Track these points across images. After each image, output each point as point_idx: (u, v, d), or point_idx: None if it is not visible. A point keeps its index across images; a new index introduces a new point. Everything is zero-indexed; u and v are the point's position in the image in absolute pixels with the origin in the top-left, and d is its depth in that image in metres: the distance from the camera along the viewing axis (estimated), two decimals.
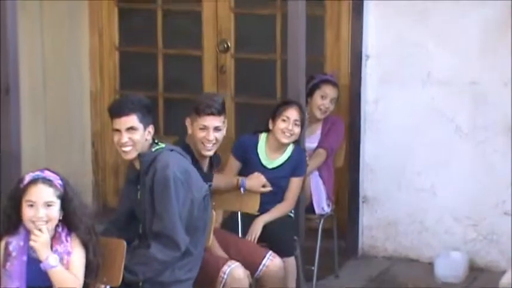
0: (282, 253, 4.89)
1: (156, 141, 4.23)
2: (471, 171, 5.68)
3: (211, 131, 4.49)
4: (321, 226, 5.42)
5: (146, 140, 4.16)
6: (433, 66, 5.67)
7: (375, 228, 5.92)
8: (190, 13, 6.37)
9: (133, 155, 4.15)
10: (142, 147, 4.16)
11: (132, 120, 4.12)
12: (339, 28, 5.98)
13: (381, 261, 5.87)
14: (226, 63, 6.28)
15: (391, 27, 5.71)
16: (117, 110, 4.16)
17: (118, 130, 4.13)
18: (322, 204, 5.51)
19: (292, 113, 5.03)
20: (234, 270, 4.38)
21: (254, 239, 4.93)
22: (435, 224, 5.79)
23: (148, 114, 4.18)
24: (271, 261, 4.69)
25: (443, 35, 5.63)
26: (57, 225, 3.77)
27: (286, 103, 5.11)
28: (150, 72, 6.39)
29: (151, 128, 4.18)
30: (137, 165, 4.21)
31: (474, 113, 5.64)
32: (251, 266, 4.58)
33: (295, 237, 5.08)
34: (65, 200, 3.76)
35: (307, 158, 5.26)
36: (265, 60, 6.22)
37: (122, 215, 4.35)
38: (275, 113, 5.06)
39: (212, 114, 4.54)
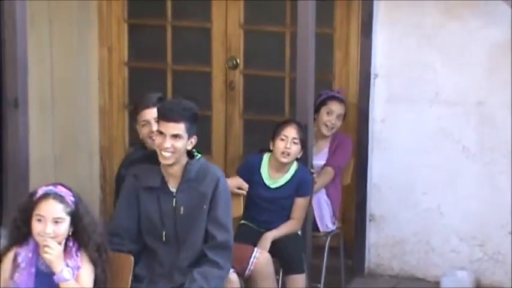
0: (292, 270, 4.93)
1: (193, 150, 4.24)
2: (477, 191, 5.69)
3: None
4: (327, 244, 5.43)
5: (186, 149, 4.17)
6: (441, 87, 5.70)
7: (382, 247, 5.93)
8: (199, 29, 6.40)
9: (171, 161, 4.13)
10: (180, 157, 4.16)
11: (180, 128, 4.11)
12: (348, 47, 6.01)
13: (387, 280, 5.88)
14: (235, 80, 6.30)
15: (399, 48, 5.74)
16: (167, 114, 4.13)
17: (162, 133, 4.12)
18: (326, 221, 5.52)
19: (290, 132, 5.04)
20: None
21: None
22: (441, 243, 5.80)
23: (195, 123, 4.18)
24: (261, 254, 4.73)
25: (450, 56, 5.66)
26: (67, 240, 3.78)
27: (284, 122, 5.14)
28: (159, 88, 6.38)
29: (194, 139, 4.19)
30: (172, 171, 4.17)
31: (481, 134, 5.66)
32: (241, 261, 4.61)
33: (303, 255, 5.10)
34: (75, 216, 3.76)
35: (314, 175, 5.28)
36: (274, 78, 6.24)
37: (132, 225, 4.24)
38: (274, 132, 5.09)
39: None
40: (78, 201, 3.78)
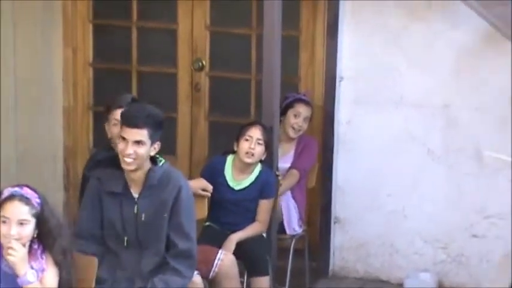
0: (257, 272, 4.93)
1: (156, 156, 4.21)
2: (441, 194, 5.73)
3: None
4: (292, 246, 5.44)
5: (149, 155, 4.14)
6: (406, 89, 5.73)
7: (346, 249, 5.95)
8: (165, 31, 6.37)
9: (132, 167, 4.11)
10: (143, 163, 4.13)
11: (143, 134, 4.08)
12: (314, 49, 6.02)
13: (352, 282, 5.90)
14: (200, 82, 6.29)
15: (365, 50, 5.76)
16: (130, 120, 4.09)
17: (125, 139, 4.09)
18: (293, 225, 5.53)
19: (255, 132, 5.05)
20: None
21: None
22: (405, 245, 5.83)
23: (159, 130, 4.15)
24: (225, 256, 4.74)
25: (416, 58, 5.69)
26: (32, 242, 3.74)
27: (249, 123, 5.15)
28: (124, 89, 6.35)
29: (157, 145, 4.16)
30: (134, 177, 4.15)
31: (446, 136, 5.70)
32: (205, 263, 4.61)
33: (268, 257, 5.10)
34: (41, 218, 3.72)
35: (280, 178, 5.29)
36: (240, 80, 6.24)
37: (96, 228, 4.22)
38: (239, 133, 5.09)
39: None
40: (43, 203, 3.75)
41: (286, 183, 5.44)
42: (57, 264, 3.76)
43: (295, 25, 6.03)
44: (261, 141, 5.05)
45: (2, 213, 3.69)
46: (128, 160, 4.08)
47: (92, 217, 4.23)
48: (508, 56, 5.37)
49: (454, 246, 5.76)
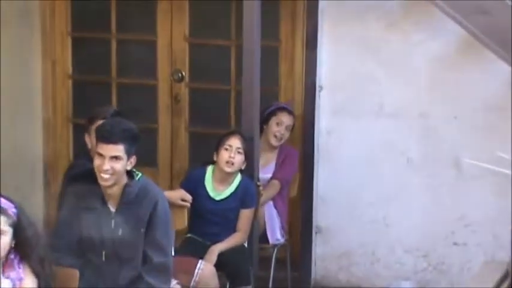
0: (239, 282, 4.94)
1: (133, 170, 4.22)
2: (422, 203, 5.76)
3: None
4: (274, 256, 5.44)
5: (126, 170, 4.15)
6: (385, 99, 5.76)
7: (328, 259, 5.96)
8: (144, 42, 6.37)
9: (109, 182, 4.11)
10: (120, 178, 4.14)
11: (119, 149, 4.08)
12: (293, 59, 6.04)
13: None
14: (180, 93, 6.29)
15: (344, 61, 5.78)
16: (106, 135, 4.10)
17: (101, 155, 4.09)
18: (276, 235, 5.53)
19: (234, 141, 5.06)
20: None
21: None
22: (387, 254, 5.85)
23: (134, 144, 4.15)
24: (205, 267, 4.75)
25: (394, 69, 5.72)
26: (9, 252, 3.72)
27: (229, 132, 5.16)
28: (104, 101, 6.35)
29: (133, 159, 4.16)
30: (111, 192, 4.15)
31: (425, 146, 5.73)
32: (186, 273, 4.61)
33: (250, 267, 5.10)
34: (18, 228, 3.70)
35: (261, 188, 5.30)
36: (220, 91, 6.25)
37: (73, 242, 4.22)
38: (219, 143, 5.10)
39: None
40: (20, 213, 3.73)
41: (267, 194, 5.45)
42: (36, 273, 3.75)
43: (275, 36, 6.05)
44: (240, 150, 5.06)
45: None
46: (105, 176, 4.09)
47: (69, 232, 4.23)
48: (486, 63, 5.41)
49: (435, 255, 5.79)
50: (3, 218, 3.67)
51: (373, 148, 5.78)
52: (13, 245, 3.72)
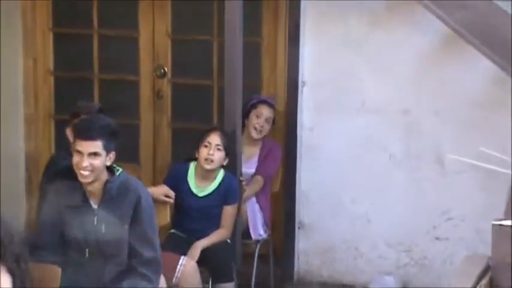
0: (221, 278, 4.94)
1: (113, 165, 4.21)
2: (404, 198, 5.77)
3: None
4: (257, 251, 5.45)
5: (105, 166, 4.14)
6: (367, 95, 5.76)
7: (311, 254, 5.97)
8: (126, 38, 6.35)
9: (89, 179, 4.10)
10: (99, 174, 4.13)
11: (97, 145, 4.07)
12: (276, 55, 6.04)
13: (317, 287, 5.91)
14: (163, 89, 6.28)
15: (326, 56, 5.78)
16: (83, 133, 4.09)
17: (79, 152, 4.08)
18: (258, 230, 5.54)
19: (213, 138, 5.06)
20: None
21: None
22: (369, 249, 5.87)
23: (113, 140, 4.14)
24: (187, 262, 4.75)
25: (377, 65, 5.72)
26: None
27: (209, 129, 5.16)
28: (86, 98, 6.31)
29: (112, 155, 4.15)
30: (92, 188, 4.14)
31: (407, 142, 5.74)
32: (168, 269, 4.61)
33: (232, 263, 5.10)
34: None
35: (244, 183, 5.30)
36: (202, 86, 6.24)
37: (55, 240, 4.20)
38: (199, 140, 5.09)
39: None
40: None
41: (250, 190, 5.45)
42: (11, 272, 3.71)
43: (257, 31, 6.05)
44: (220, 147, 5.05)
45: None
46: (84, 173, 4.08)
47: (51, 230, 4.21)
48: (469, 60, 5.42)
49: (417, 249, 5.81)
50: None
51: (355, 144, 5.79)
52: None
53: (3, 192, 6.33)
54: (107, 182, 4.15)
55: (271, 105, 5.64)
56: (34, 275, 3.79)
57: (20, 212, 6.47)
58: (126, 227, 4.15)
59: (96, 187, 4.15)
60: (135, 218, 4.15)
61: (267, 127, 5.61)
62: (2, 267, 3.65)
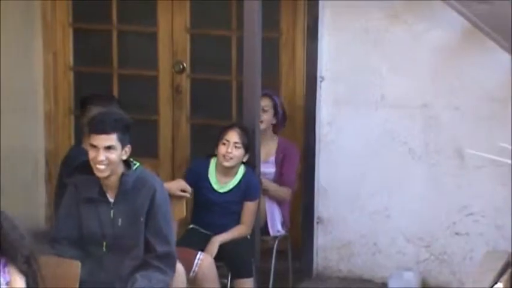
0: (241, 274, 4.95)
1: (131, 159, 4.23)
2: (423, 193, 5.75)
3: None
4: (275, 247, 5.44)
5: (121, 159, 4.15)
6: (386, 90, 5.74)
7: (329, 249, 5.96)
8: (145, 34, 6.37)
9: (106, 173, 4.13)
10: (116, 168, 4.14)
11: (112, 139, 4.10)
12: (294, 50, 6.03)
13: (335, 282, 5.90)
14: (181, 84, 6.29)
15: (345, 51, 5.77)
16: (97, 127, 4.12)
17: (95, 147, 4.10)
18: (276, 227, 5.53)
19: (231, 136, 5.06)
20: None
21: None
22: (388, 245, 5.85)
23: (127, 133, 4.17)
24: (205, 257, 4.78)
25: (396, 59, 5.70)
26: None
27: (227, 126, 5.15)
28: (105, 93, 6.37)
29: (128, 148, 4.18)
30: (109, 182, 4.16)
31: (426, 136, 5.72)
32: (186, 262, 4.62)
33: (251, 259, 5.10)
34: (1, 235, 3.62)
35: (263, 180, 5.30)
36: (221, 81, 6.24)
37: (73, 234, 4.23)
38: (218, 137, 5.10)
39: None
40: (2, 219, 3.64)
41: (280, 195, 5.44)
42: (23, 273, 3.71)
43: (276, 27, 6.04)
44: (238, 145, 5.06)
45: None
46: (101, 167, 4.10)
47: (69, 223, 4.24)
48: (488, 54, 5.40)
49: (437, 245, 5.79)
50: None
51: (374, 139, 5.77)
52: None
53: (23, 187, 6.37)
54: (122, 176, 4.16)
55: (268, 96, 5.53)
56: (55, 270, 3.84)
57: (40, 208, 6.51)
58: (142, 220, 4.17)
59: (113, 181, 4.17)
60: (150, 212, 4.18)
61: (266, 117, 5.47)
62: (14, 268, 3.66)
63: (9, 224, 3.67)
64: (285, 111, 5.69)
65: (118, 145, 4.11)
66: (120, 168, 4.17)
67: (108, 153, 4.09)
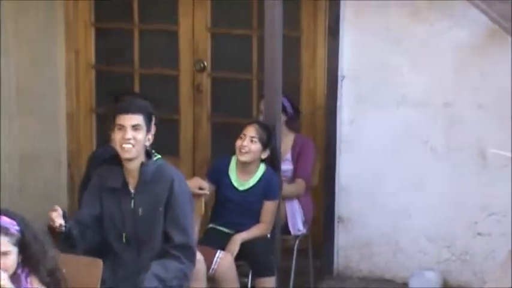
0: (263, 273, 4.95)
1: (152, 151, 4.28)
2: (445, 192, 5.72)
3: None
4: (296, 246, 5.43)
5: (145, 145, 4.20)
6: (408, 88, 5.72)
7: (350, 249, 5.94)
8: (166, 33, 6.38)
9: (132, 154, 4.17)
10: (141, 152, 4.18)
11: (139, 118, 4.18)
12: (315, 49, 6.02)
13: (356, 282, 5.89)
14: (202, 83, 6.29)
15: (366, 49, 5.75)
16: (125, 107, 4.21)
17: (122, 127, 4.16)
18: (297, 226, 5.52)
19: (249, 130, 5.08)
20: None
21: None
22: (409, 244, 5.82)
23: (151, 121, 4.25)
24: (224, 256, 4.79)
25: (417, 58, 5.68)
26: (16, 267, 3.65)
27: (247, 122, 5.17)
28: (126, 92, 6.38)
29: (151, 136, 4.25)
30: (131, 168, 4.20)
31: (448, 135, 5.69)
32: (205, 260, 4.63)
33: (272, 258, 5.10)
34: (23, 244, 3.61)
35: (283, 179, 5.29)
36: (242, 80, 6.24)
37: (93, 222, 4.26)
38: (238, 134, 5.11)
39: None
40: (24, 229, 3.62)
41: (292, 192, 5.44)
42: (46, 284, 3.70)
43: (297, 25, 6.03)
44: (255, 139, 5.06)
45: None
46: (127, 146, 4.16)
47: (90, 212, 4.28)
48: (509, 52, 5.36)
49: (459, 245, 5.76)
50: (4, 239, 3.57)
51: (395, 138, 5.75)
52: (20, 260, 3.64)
53: (45, 188, 6.39)
54: (142, 165, 4.19)
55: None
56: (76, 268, 3.84)
57: (62, 207, 6.52)
58: (161, 210, 4.20)
59: (135, 167, 4.22)
60: (168, 203, 4.22)
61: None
62: (36, 281, 3.65)
63: (31, 233, 3.66)
64: (296, 107, 5.68)
65: (143, 126, 4.19)
66: (142, 156, 4.21)
67: (135, 132, 4.17)
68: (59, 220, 4.02)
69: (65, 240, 4.07)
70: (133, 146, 4.16)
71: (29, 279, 3.65)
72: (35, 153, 6.33)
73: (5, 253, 3.58)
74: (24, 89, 6.18)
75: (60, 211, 4.07)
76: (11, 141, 6.07)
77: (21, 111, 6.19)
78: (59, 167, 6.54)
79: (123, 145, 4.17)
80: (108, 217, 4.27)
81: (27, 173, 6.23)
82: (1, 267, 3.55)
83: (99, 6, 6.44)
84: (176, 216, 4.21)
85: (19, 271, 3.63)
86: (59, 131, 6.51)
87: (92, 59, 6.50)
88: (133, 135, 4.15)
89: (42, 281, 3.66)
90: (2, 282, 3.53)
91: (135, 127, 4.17)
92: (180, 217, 4.21)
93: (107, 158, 4.39)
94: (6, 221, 3.62)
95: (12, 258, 3.59)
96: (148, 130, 4.22)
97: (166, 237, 4.23)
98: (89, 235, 4.22)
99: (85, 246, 4.19)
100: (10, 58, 6.05)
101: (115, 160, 4.28)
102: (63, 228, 4.03)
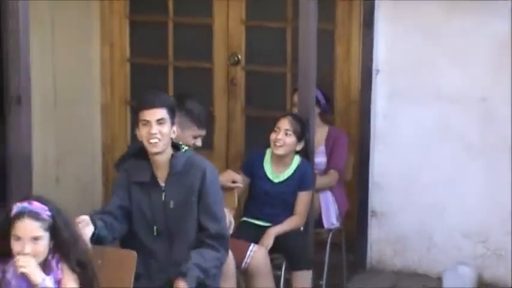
0: (300, 266, 4.94)
1: (179, 143, 4.29)
2: (479, 187, 5.68)
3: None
4: (329, 240, 5.43)
5: (171, 138, 4.21)
6: (443, 83, 5.68)
7: (384, 243, 5.93)
8: (201, 26, 6.39)
9: (159, 148, 4.17)
10: (167, 145, 4.20)
11: (163, 112, 4.16)
12: (350, 43, 6.00)
13: (389, 276, 5.87)
14: (236, 76, 6.30)
15: (401, 43, 5.73)
16: (148, 101, 4.19)
17: (147, 122, 4.15)
18: (331, 219, 5.51)
19: (283, 123, 5.07)
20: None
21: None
22: (444, 239, 5.80)
23: (174, 115, 4.24)
24: (258, 249, 4.77)
25: (453, 52, 5.64)
26: (47, 254, 3.68)
27: (281, 115, 5.16)
28: (161, 85, 6.41)
29: (175, 128, 4.24)
30: (160, 160, 4.20)
31: (484, 130, 5.65)
32: (238, 254, 4.63)
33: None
34: (54, 230, 3.60)
35: (315, 172, 5.29)
36: (276, 73, 6.24)
37: (116, 211, 4.23)
38: (273, 126, 5.11)
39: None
40: (55, 215, 3.62)
41: (326, 182, 5.43)
42: (76, 273, 3.70)
43: (331, 18, 6.02)
44: (289, 132, 5.06)
45: (13, 232, 3.57)
46: (154, 140, 4.15)
47: (118, 202, 4.25)
48: None
49: (493, 240, 5.72)
50: (36, 224, 3.56)
51: (430, 132, 5.72)
52: (51, 246, 3.63)
53: (80, 179, 6.44)
54: (172, 157, 4.21)
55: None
56: (110, 261, 3.85)
57: (97, 199, 6.57)
58: (194, 199, 4.21)
59: (163, 161, 4.21)
60: (201, 192, 4.21)
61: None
62: (67, 268, 3.66)
63: (62, 220, 3.67)
64: (329, 99, 5.67)
65: (168, 120, 4.18)
66: (170, 150, 4.23)
67: (160, 126, 4.15)
68: (87, 231, 4.02)
69: (94, 242, 4.08)
70: (160, 140, 4.15)
71: (59, 266, 3.66)
72: (70, 144, 6.37)
73: (36, 238, 3.57)
74: (61, 81, 6.22)
75: (85, 221, 4.06)
76: (47, 134, 6.11)
77: (57, 104, 6.23)
78: (94, 158, 6.59)
79: (150, 140, 4.15)
80: (137, 211, 4.25)
81: (62, 164, 6.27)
82: (32, 252, 3.56)
83: (134, 0, 6.46)
84: (209, 206, 4.21)
85: (50, 257, 3.65)
86: (94, 123, 6.55)
87: (127, 51, 6.53)
88: (158, 129, 4.14)
89: (72, 269, 3.67)
90: (29, 269, 3.56)
91: (159, 121, 4.15)
92: (213, 206, 4.22)
93: (134, 151, 4.39)
94: (37, 206, 3.62)
95: (43, 244, 3.59)
96: (172, 123, 4.21)
97: (200, 227, 4.24)
98: (116, 226, 4.23)
99: (112, 237, 4.20)
100: (47, 52, 6.08)
101: (141, 154, 4.27)
102: (93, 235, 4.05)
